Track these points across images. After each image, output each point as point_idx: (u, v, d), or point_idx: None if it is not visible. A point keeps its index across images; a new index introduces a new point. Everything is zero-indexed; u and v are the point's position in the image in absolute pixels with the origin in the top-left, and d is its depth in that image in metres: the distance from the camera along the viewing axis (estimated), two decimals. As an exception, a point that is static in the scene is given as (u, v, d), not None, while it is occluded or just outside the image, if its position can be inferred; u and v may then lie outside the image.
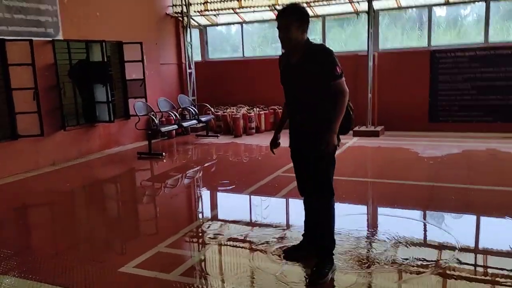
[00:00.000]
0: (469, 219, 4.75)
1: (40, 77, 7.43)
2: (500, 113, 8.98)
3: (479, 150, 7.72)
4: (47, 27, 7.72)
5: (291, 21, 3.20)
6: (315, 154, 3.30)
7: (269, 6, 10.25)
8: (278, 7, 10.20)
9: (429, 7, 9.44)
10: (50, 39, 7.76)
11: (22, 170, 7.29)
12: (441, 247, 3.92)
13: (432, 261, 3.64)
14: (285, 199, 5.54)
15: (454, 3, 9.43)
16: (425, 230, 4.46)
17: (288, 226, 4.64)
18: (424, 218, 4.80)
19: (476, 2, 9.24)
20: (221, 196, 6.08)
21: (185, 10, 10.90)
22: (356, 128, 9.27)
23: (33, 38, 7.35)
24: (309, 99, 3.32)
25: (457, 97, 9.30)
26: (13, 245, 4.45)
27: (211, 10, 10.97)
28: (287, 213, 5.24)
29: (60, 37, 7.96)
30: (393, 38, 10.19)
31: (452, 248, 3.85)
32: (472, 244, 4.04)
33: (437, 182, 5.93)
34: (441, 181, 5.98)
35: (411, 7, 9.82)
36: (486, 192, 5.47)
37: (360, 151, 8.18)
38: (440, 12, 9.87)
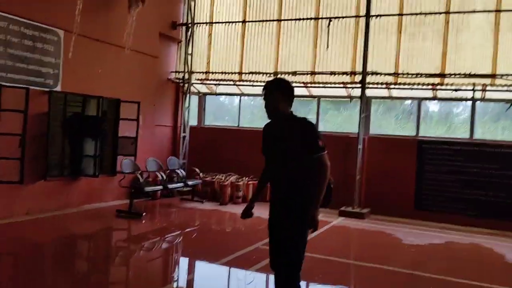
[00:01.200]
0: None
1: (30, 125, 7.46)
2: (483, 208, 8.98)
3: (461, 243, 7.62)
4: (47, 78, 7.92)
5: (274, 92, 3.35)
6: (286, 230, 3.26)
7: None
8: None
9: (419, 100, 9.84)
10: (48, 89, 7.92)
11: (-6, 216, 7.09)
12: None
13: None
14: (258, 274, 5.34)
15: (442, 99, 9.83)
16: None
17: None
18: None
19: (465, 102, 9.62)
20: (192, 264, 5.87)
21: (186, 77, 11.28)
22: (343, 208, 9.22)
23: (31, 87, 7.50)
24: (288, 170, 3.32)
25: (442, 188, 9.35)
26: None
27: (212, 80, 11.36)
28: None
29: (58, 88, 8.13)
30: (387, 126, 10.52)
31: None
32: None
33: (415, 271, 5.79)
34: (420, 270, 5.83)
35: (402, 98, 10.23)
36: (464, 286, 5.32)
37: (343, 231, 8.06)
38: (433, 107, 10.32)
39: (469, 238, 8.00)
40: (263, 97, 3.41)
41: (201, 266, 5.78)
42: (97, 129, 8.68)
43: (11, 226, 6.88)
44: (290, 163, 3.31)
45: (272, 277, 3.55)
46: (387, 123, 10.60)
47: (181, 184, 9.65)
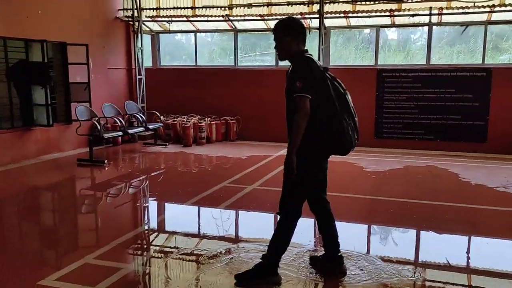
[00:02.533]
0: (401, 232, 4.83)
1: (-29, 75, 6.94)
2: (439, 132, 9.36)
3: (419, 167, 7.97)
4: (-17, 22, 7.26)
5: (280, 33, 3.26)
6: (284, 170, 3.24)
7: (223, 16, 10.20)
8: (231, 18, 10.20)
9: (377, 28, 9.77)
10: (-15, 35, 7.30)
11: None
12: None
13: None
14: (227, 210, 5.40)
15: (400, 26, 9.82)
16: (359, 241, 4.47)
17: (221, 238, 4.51)
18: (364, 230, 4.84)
19: (422, 27, 9.65)
20: (161, 206, 5.86)
21: (136, 14, 10.64)
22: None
23: (-35, 33, 6.87)
24: (288, 113, 3.25)
25: (401, 115, 9.60)
26: None
27: (164, 16, 10.78)
28: (225, 224, 5.10)
29: (-4, 33, 7.50)
30: (347, 57, 10.48)
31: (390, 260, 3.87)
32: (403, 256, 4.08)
33: (376, 196, 6.05)
34: (380, 195, 6.11)
35: (360, 26, 10.15)
36: (421, 206, 5.61)
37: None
38: (392, 35, 10.28)
39: (426, 161, 8.37)
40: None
41: (170, 208, 5.78)
42: (45, 75, 8.16)
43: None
44: (288, 104, 3.25)
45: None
46: (347, 54, 10.56)
47: (141, 129, 9.42)
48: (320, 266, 3.67)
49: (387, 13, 9.21)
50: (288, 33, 3.24)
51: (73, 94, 8.95)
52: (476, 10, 8.69)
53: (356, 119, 3.31)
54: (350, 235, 4.58)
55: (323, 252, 3.72)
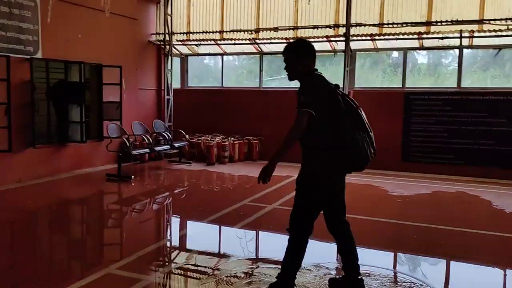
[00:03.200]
0: (426, 259, 4.73)
1: (14, 94, 7.39)
2: (470, 157, 9.11)
3: (448, 192, 7.77)
4: (27, 45, 7.74)
5: (289, 55, 3.36)
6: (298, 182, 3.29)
7: (249, 39, 10.47)
8: (258, 41, 10.45)
9: (405, 50, 9.77)
10: (29, 56, 7.76)
11: (-15, 185, 7.12)
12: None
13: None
14: (247, 230, 5.46)
15: (429, 48, 9.77)
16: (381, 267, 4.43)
17: (223, 256, 4.57)
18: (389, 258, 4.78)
19: (453, 51, 9.56)
20: (183, 222, 5.99)
21: (167, 38, 11.07)
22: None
23: (11, 55, 7.35)
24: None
25: (430, 139, 9.45)
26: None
27: (193, 40, 11.17)
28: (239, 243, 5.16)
29: (39, 55, 7.97)
30: (374, 80, 10.49)
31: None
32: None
33: (402, 220, 5.95)
34: (406, 220, 5.99)
35: (387, 49, 10.16)
36: (449, 233, 5.48)
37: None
38: (422, 59, 10.26)
39: (456, 187, 8.15)
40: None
41: (191, 224, 5.89)
42: (81, 95, 8.58)
43: (4, 194, 6.93)
44: None
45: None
46: (374, 77, 10.56)
47: (167, 147, 9.69)
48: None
49: (415, 36, 9.21)
50: (297, 54, 3.32)
51: (105, 113, 9.34)
52: (510, 33, 8.52)
53: (371, 134, 3.29)
54: (370, 260, 4.54)
55: (343, 274, 3.66)
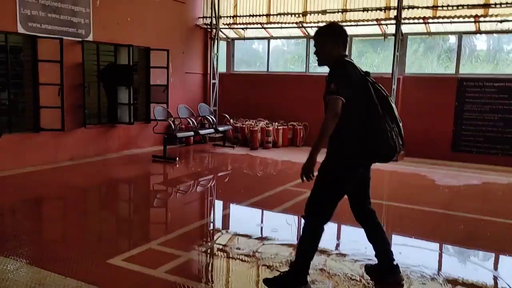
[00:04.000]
0: (471, 252, 4.54)
1: (66, 75, 7.72)
2: (527, 147, 8.63)
3: (500, 184, 7.40)
4: (79, 28, 8.04)
5: (320, 39, 3.27)
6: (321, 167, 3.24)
7: (296, 23, 10.33)
8: (305, 24, 10.29)
9: (459, 34, 9.28)
10: (81, 39, 8.07)
11: (41, 162, 7.52)
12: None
13: None
14: (287, 214, 5.47)
15: (486, 32, 9.24)
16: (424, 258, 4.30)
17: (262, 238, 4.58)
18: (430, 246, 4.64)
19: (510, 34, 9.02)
20: (225, 204, 6.07)
21: (214, 22, 11.13)
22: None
23: (64, 37, 7.66)
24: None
25: (483, 128, 9.00)
26: (20, 231, 4.58)
27: (240, 23, 11.16)
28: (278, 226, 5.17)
29: (90, 38, 8.26)
30: (427, 66, 10.08)
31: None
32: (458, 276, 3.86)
33: (448, 210, 5.75)
34: (452, 210, 5.79)
35: (441, 33, 9.70)
36: (498, 224, 5.24)
37: (375, 173, 7.97)
38: (480, 45, 9.76)
39: (509, 178, 7.75)
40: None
41: (232, 206, 5.96)
42: (129, 78, 8.84)
43: (57, 171, 7.30)
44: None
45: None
46: (428, 63, 10.12)
47: (212, 130, 9.81)
48: (375, 275, 3.56)
49: (471, 19, 8.73)
50: (328, 39, 3.22)
51: (153, 96, 9.58)
52: None
53: (400, 124, 3.18)
54: (413, 250, 4.43)
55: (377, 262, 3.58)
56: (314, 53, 3.31)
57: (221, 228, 5.05)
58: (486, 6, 8.62)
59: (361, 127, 3.09)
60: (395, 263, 3.49)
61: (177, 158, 8.55)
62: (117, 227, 5.10)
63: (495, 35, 9.28)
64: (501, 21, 8.57)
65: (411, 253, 4.26)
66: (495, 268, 4.13)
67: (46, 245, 4.23)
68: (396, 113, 3.18)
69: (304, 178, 3.09)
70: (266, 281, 3.34)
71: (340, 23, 9.51)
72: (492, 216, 5.49)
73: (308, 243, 3.25)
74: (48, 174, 7.09)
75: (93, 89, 8.70)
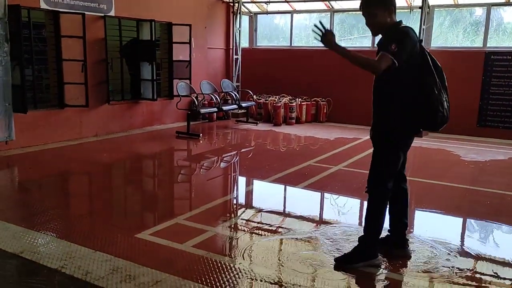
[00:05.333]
0: (496, 226, 4.49)
1: (89, 51, 7.77)
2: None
3: (527, 159, 7.27)
4: (101, 2, 8.04)
5: (368, 7, 3.17)
6: (374, 140, 3.27)
7: (320, -4, 10.11)
8: (329, -2, 10.06)
9: (488, 6, 8.94)
10: (102, 14, 8.08)
11: (66, 138, 7.69)
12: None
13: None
14: (312, 190, 5.49)
15: (517, 3, 8.87)
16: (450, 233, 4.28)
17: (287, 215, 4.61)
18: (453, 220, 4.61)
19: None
20: (248, 180, 6.12)
21: (236, -4, 10.97)
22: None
23: (86, 12, 7.68)
24: (375, 88, 3.23)
25: (510, 103, 8.77)
26: (48, 205, 4.72)
27: (263, -3, 10.97)
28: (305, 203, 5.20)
29: (112, 13, 8.26)
30: (453, 39, 9.78)
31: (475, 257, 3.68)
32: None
33: (473, 186, 5.69)
34: (478, 185, 5.72)
35: (468, 5, 9.35)
36: (525, 202, 5.16)
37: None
38: (508, 17, 9.37)
39: (536, 153, 7.60)
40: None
41: (256, 182, 5.99)
42: (152, 53, 8.85)
43: (82, 147, 7.46)
44: (378, 77, 3.18)
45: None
46: (454, 37, 9.82)
47: (235, 106, 9.81)
48: (383, 247, 3.49)
49: (502, -10, 8.39)
50: (379, 5, 3.12)
51: (175, 71, 9.59)
52: None
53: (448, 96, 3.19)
54: (436, 224, 4.40)
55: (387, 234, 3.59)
56: (367, 24, 3.22)
57: (244, 203, 5.11)
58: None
59: (419, 94, 3.09)
60: (406, 237, 3.52)
61: (201, 134, 8.62)
62: (142, 202, 5.20)
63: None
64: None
65: (437, 227, 4.24)
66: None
67: (74, 220, 4.36)
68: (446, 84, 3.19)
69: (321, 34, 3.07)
70: (337, 260, 3.35)
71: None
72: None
73: (374, 217, 3.28)
74: (74, 150, 7.24)
75: (116, 65, 8.77)
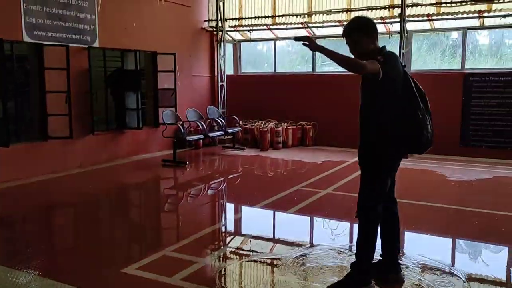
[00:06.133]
0: (485, 246, 4.51)
1: (73, 82, 7.75)
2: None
3: (509, 177, 7.38)
4: (85, 34, 8.07)
5: (351, 36, 3.21)
6: (361, 164, 3.28)
7: (302, 23, 10.31)
8: (310, 25, 10.27)
9: (464, 30, 9.24)
10: (87, 46, 8.10)
11: (50, 171, 7.55)
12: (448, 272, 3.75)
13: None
14: (297, 215, 5.46)
15: (490, 27, 9.20)
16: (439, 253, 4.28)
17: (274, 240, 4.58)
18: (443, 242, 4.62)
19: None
20: (237, 207, 6.07)
21: (220, 25, 11.14)
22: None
23: (70, 44, 7.70)
24: (362, 110, 3.25)
25: (491, 122, 8.96)
26: (31, 241, 4.61)
27: (245, 25, 11.16)
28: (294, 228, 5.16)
29: (96, 44, 8.29)
30: (432, 62, 10.04)
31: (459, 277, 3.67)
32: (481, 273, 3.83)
33: (461, 206, 5.74)
34: (465, 205, 5.77)
35: (445, 30, 9.65)
36: (511, 219, 5.21)
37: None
38: (483, 39, 9.71)
39: (519, 172, 7.73)
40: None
41: (245, 209, 5.96)
42: (137, 83, 8.86)
43: (66, 179, 7.33)
44: (363, 101, 3.22)
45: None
46: (432, 60, 10.09)
47: (221, 133, 9.82)
48: (377, 273, 3.46)
49: (475, 15, 8.68)
50: (361, 33, 3.17)
51: (161, 100, 9.61)
52: None
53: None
54: (427, 246, 4.40)
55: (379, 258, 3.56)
56: (351, 50, 3.26)
57: (234, 231, 5.05)
58: (490, 1, 8.58)
59: (404, 118, 3.13)
60: (398, 261, 3.51)
61: (187, 162, 8.58)
62: (129, 234, 5.10)
63: (497, 29, 9.24)
64: (504, 16, 8.55)
65: (426, 249, 4.23)
66: (509, 263, 4.09)
67: (58, 256, 4.25)
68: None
69: (302, 40, 3.03)
70: (330, 287, 3.29)
71: (344, 23, 9.61)
72: (505, 211, 5.46)
73: (365, 242, 3.25)
74: (58, 183, 7.12)
75: (101, 95, 8.74)
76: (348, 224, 5.01)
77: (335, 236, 4.75)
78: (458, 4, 8.75)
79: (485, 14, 8.67)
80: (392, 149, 3.19)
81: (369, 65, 2.98)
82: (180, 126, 9.02)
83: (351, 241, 4.56)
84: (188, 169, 8.28)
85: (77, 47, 7.93)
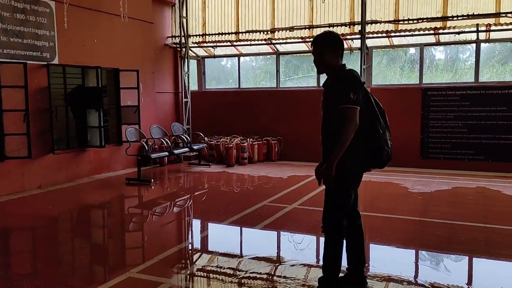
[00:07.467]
0: (448, 256, 4.64)
1: (32, 100, 7.51)
2: (491, 152, 8.98)
3: (468, 188, 7.67)
4: (44, 51, 7.86)
5: (320, 47, 3.29)
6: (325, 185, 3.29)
7: (265, 40, 10.46)
8: (274, 41, 10.43)
9: (421, 46, 9.63)
10: (46, 63, 7.88)
11: (7, 192, 7.24)
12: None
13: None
14: (268, 231, 5.45)
15: (446, 43, 9.63)
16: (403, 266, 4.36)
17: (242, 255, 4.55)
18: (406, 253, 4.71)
19: (470, 46, 9.43)
20: (204, 224, 5.99)
21: (183, 41, 11.13)
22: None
23: (28, 62, 7.47)
24: (325, 126, 3.30)
25: (449, 135, 9.33)
26: (-16, 265, 4.36)
27: (209, 42, 11.20)
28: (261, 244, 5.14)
29: (56, 61, 8.09)
30: (391, 77, 10.40)
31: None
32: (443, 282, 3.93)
33: (423, 217, 5.88)
34: (427, 217, 5.93)
35: (404, 46, 10.06)
36: (470, 228, 5.39)
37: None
38: (439, 55, 10.14)
39: (477, 182, 8.04)
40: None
41: (212, 226, 5.89)
42: (99, 100, 8.68)
43: (25, 200, 7.04)
44: (325, 117, 3.29)
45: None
46: (392, 74, 10.47)
47: (186, 149, 9.73)
48: (344, 286, 3.51)
49: (431, 32, 9.09)
50: (328, 47, 3.26)
51: (124, 117, 9.43)
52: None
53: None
54: (392, 259, 4.48)
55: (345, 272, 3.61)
56: (314, 62, 3.34)
57: (202, 249, 4.97)
58: (444, 19, 9.02)
59: (366, 134, 3.20)
60: (364, 275, 3.55)
61: (152, 180, 8.43)
62: (92, 256, 4.92)
63: (452, 45, 9.71)
64: (458, 33, 8.98)
65: (390, 261, 4.31)
66: (469, 271, 4.22)
67: (15, 281, 4.02)
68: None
69: (322, 182, 3.19)
70: None
71: (307, 39, 9.83)
72: (466, 221, 5.66)
73: (332, 255, 3.28)
74: (15, 204, 6.83)
75: (61, 113, 8.49)
76: (315, 237, 5.03)
77: (300, 251, 4.76)
78: (415, 21, 9.14)
79: (440, 31, 9.09)
80: (355, 163, 3.24)
81: (355, 117, 3.08)
82: (144, 143, 8.87)
83: (317, 255, 4.59)
84: (153, 187, 8.13)
85: (35, 64, 7.70)
